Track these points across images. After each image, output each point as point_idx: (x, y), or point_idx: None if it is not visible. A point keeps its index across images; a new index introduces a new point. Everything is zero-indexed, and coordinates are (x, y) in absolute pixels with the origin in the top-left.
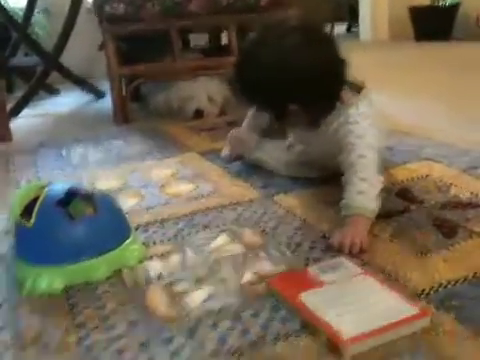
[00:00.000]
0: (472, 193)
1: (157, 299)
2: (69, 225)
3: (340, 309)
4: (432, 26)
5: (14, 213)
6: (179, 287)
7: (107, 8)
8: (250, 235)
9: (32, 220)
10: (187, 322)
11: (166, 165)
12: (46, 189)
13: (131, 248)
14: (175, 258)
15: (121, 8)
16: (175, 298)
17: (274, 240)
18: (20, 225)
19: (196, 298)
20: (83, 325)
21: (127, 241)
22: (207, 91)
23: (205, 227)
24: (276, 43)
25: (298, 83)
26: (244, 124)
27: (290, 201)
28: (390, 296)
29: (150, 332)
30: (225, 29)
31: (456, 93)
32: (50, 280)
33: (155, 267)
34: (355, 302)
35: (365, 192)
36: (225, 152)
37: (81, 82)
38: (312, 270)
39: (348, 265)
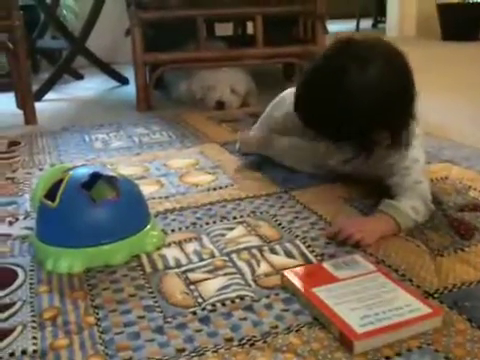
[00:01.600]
0: None
1: (173, 286)
2: (91, 208)
3: (352, 305)
4: (460, 24)
5: (38, 195)
6: (195, 275)
7: None
8: (266, 228)
9: (56, 202)
10: (202, 310)
11: (186, 155)
12: (71, 172)
13: (150, 234)
14: (192, 246)
15: None
16: (191, 286)
17: (290, 234)
18: (44, 206)
19: (211, 287)
20: (101, 307)
21: (147, 227)
22: (230, 82)
23: (223, 218)
24: (361, 69)
25: (390, 109)
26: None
27: (308, 197)
28: (403, 294)
29: (165, 317)
30: (251, 20)
31: (478, 93)
32: (71, 262)
33: (173, 254)
34: (367, 299)
35: (417, 209)
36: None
37: (106, 68)
38: (326, 265)
39: (362, 262)
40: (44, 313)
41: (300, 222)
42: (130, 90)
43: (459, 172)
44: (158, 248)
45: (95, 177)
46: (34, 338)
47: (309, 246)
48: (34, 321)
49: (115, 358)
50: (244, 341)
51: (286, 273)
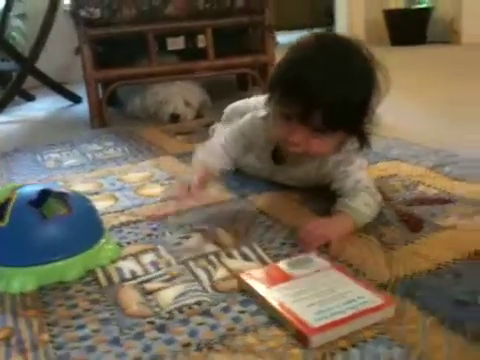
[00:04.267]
0: (438, 190)
1: (129, 297)
2: (42, 225)
3: (307, 301)
4: (407, 30)
5: None
6: (152, 285)
7: (83, 12)
8: (223, 234)
9: (5, 221)
10: (159, 318)
11: (141, 168)
12: (19, 190)
13: (105, 248)
14: (149, 257)
15: (97, 12)
16: (148, 296)
17: (246, 238)
18: None
19: (168, 295)
20: (55, 323)
21: (101, 241)
22: (183, 95)
23: (179, 227)
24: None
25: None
26: (215, 146)
27: (263, 201)
28: (356, 288)
29: (121, 329)
30: (202, 33)
31: (428, 94)
32: (23, 281)
33: (129, 266)
34: (321, 294)
35: (368, 203)
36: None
37: (57, 87)
38: (281, 265)
39: (317, 260)
40: None
41: (256, 226)
42: (83, 108)
43: (407, 169)
44: (113, 261)
45: (45, 194)
46: None
47: (265, 249)
48: None
49: None
50: (202, 345)
51: (242, 276)
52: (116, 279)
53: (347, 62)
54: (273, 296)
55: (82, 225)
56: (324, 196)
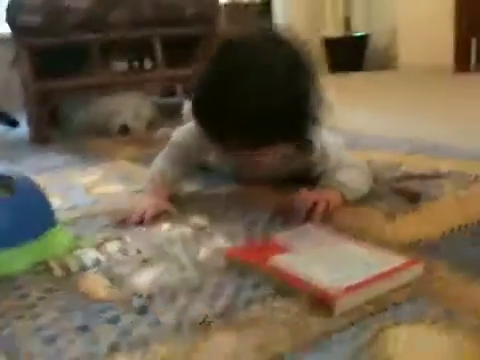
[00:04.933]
0: (423, 169)
1: (94, 283)
2: None
3: (319, 268)
4: (345, 56)
5: None
6: (121, 269)
7: (21, 19)
8: (197, 218)
9: None
10: (137, 300)
11: (91, 172)
12: None
13: (59, 236)
14: (113, 245)
15: (37, 19)
16: (117, 280)
17: (224, 220)
18: None
19: (144, 277)
20: (2, 315)
21: (52, 229)
22: (133, 107)
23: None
24: (269, 68)
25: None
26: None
27: (234, 189)
28: (372, 252)
29: (88, 315)
30: (148, 44)
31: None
32: None
33: (89, 255)
34: (334, 261)
35: (358, 180)
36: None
37: None
38: (278, 238)
39: (317, 231)
40: None
41: (233, 211)
42: (22, 131)
43: (383, 155)
44: (69, 251)
45: None
46: None
47: (249, 228)
48: None
49: None
50: (196, 324)
51: (232, 251)
52: (74, 268)
53: (264, 72)
54: (277, 265)
55: (28, 210)
56: (301, 184)
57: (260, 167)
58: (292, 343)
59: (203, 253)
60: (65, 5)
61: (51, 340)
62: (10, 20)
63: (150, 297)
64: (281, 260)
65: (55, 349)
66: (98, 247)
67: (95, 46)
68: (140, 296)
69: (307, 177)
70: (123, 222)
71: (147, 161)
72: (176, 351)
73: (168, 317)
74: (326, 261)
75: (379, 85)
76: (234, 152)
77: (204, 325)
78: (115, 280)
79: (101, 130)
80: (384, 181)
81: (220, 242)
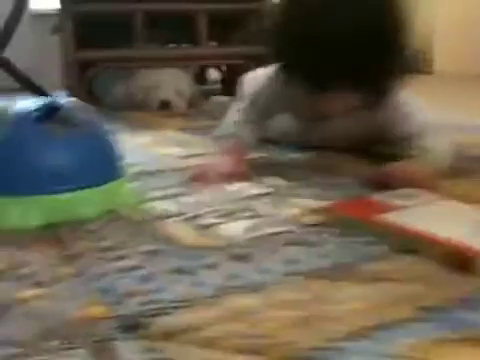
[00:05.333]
0: None
1: (180, 230)
2: (50, 143)
3: (446, 226)
4: None
5: None
6: (206, 220)
7: None
8: (274, 179)
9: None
10: (235, 248)
11: (142, 136)
12: (8, 106)
13: (126, 186)
14: (189, 199)
15: None
16: (204, 229)
17: (304, 182)
18: None
19: (235, 228)
20: (80, 256)
21: (120, 179)
22: (174, 82)
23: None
24: None
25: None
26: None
27: (311, 156)
28: None
29: (183, 260)
30: (193, 18)
31: None
32: (24, 214)
33: (165, 206)
34: (460, 220)
35: (445, 146)
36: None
37: (25, 81)
38: (382, 197)
39: (422, 193)
40: None
41: (309, 176)
42: None
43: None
44: (140, 202)
45: (53, 109)
46: None
47: (334, 188)
48: None
49: (122, 304)
50: (313, 274)
51: (335, 206)
52: (151, 217)
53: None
54: (397, 222)
55: (100, 150)
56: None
57: (337, 113)
58: (443, 297)
59: (294, 210)
60: None
61: (147, 279)
62: None
63: (250, 245)
64: (398, 216)
65: (154, 287)
66: (171, 199)
67: (138, 17)
68: (239, 245)
69: (382, 141)
70: (199, 178)
71: (197, 132)
72: (300, 298)
73: (278, 266)
74: (446, 219)
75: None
76: (326, 89)
77: (322, 276)
78: (201, 229)
79: (139, 104)
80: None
81: (309, 202)
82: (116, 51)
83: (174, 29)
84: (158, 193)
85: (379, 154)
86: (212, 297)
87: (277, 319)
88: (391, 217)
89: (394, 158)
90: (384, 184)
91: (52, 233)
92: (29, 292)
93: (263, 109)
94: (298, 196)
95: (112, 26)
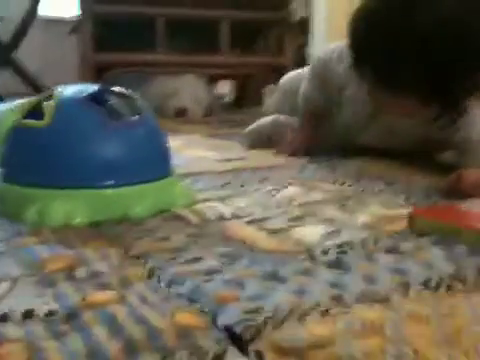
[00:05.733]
0: None
1: (250, 233)
2: (101, 133)
3: None
4: None
5: (7, 120)
6: (275, 223)
7: None
8: (328, 186)
9: (46, 119)
10: (320, 254)
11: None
12: (59, 90)
13: (179, 185)
14: (243, 201)
15: None
16: (277, 233)
17: (363, 192)
18: (21, 131)
19: (310, 233)
20: (147, 256)
21: (171, 178)
22: (192, 90)
23: (262, 180)
24: None
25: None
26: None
27: (352, 163)
28: None
29: (266, 264)
30: (215, 26)
31: None
32: (69, 209)
33: (219, 208)
34: None
35: None
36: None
37: (33, 84)
38: (460, 206)
39: None
40: (47, 264)
41: (365, 182)
42: None
43: None
44: (193, 204)
45: (105, 92)
46: (39, 297)
47: (408, 198)
48: (32, 274)
49: (220, 312)
50: (426, 286)
51: (421, 211)
52: (212, 217)
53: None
54: None
55: (154, 144)
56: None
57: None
58: None
59: (367, 217)
60: None
61: (237, 285)
62: None
63: (341, 251)
64: None
65: (251, 294)
66: (224, 202)
67: (160, 21)
68: (324, 252)
69: (442, 146)
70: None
71: (224, 137)
72: (433, 311)
73: (383, 276)
74: None
75: None
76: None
77: (439, 287)
78: (273, 233)
79: (155, 111)
80: None
81: (377, 209)
82: (136, 55)
83: (195, 36)
84: (208, 194)
85: (437, 161)
86: (325, 307)
87: (418, 335)
88: None
89: (456, 166)
90: (457, 190)
91: (108, 230)
92: (98, 295)
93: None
94: (365, 203)
95: (132, 29)
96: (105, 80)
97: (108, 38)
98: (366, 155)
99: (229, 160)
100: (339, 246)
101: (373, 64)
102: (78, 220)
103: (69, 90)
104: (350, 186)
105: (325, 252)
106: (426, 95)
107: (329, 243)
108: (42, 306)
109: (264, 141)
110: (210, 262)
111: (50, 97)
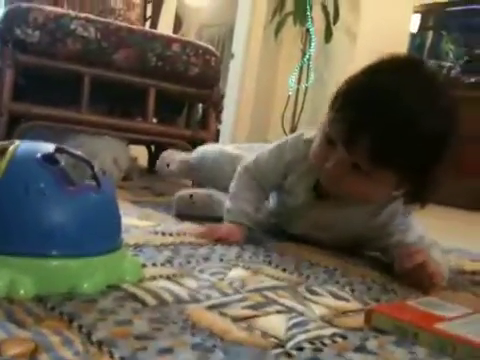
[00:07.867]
0: None
1: (215, 320)
2: (66, 192)
3: None
4: None
5: None
6: (237, 311)
7: (18, 31)
8: (272, 271)
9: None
10: (296, 349)
11: None
12: (13, 146)
13: (129, 259)
14: (193, 283)
15: (36, 36)
16: (241, 322)
17: (311, 279)
18: None
19: (275, 324)
20: (111, 342)
21: (121, 249)
22: (111, 151)
23: (205, 259)
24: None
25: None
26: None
27: (284, 247)
28: None
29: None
30: (142, 93)
31: None
32: (15, 280)
33: (176, 290)
34: None
35: (444, 263)
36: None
37: None
38: (416, 304)
39: (449, 304)
40: (4, 348)
41: (311, 268)
42: None
43: None
44: (141, 280)
45: (60, 152)
46: None
47: (353, 290)
48: None
49: None
50: None
51: (379, 308)
52: (169, 299)
53: (428, 90)
54: (459, 332)
55: (109, 211)
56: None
57: (346, 190)
58: None
59: (322, 309)
60: (71, 28)
61: None
62: (5, 29)
63: (316, 347)
64: (453, 328)
65: None
66: (172, 281)
67: (87, 81)
68: (299, 347)
69: (371, 247)
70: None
71: (148, 205)
72: None
73: None
74: None
75: None
76: (336, 158)
77: None
78: (237, 322)
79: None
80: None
81: (331, 301)
82: (58, 110)
83: (120, 99)
84: (154, 271)
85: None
86: None
87: None
88: (447, 327)
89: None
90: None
91: (59, 307)
92: None
93: (274, 164)
94: (316, 294)
95: (56, 84)
96: (18, 132)
97: (30, 89)
98: (298, 240)
99: (164, 234)
100: (311, 342)
101: (375, 134)
102: (22, 292)
103: (23, 146)
104: (292, 273)
105: (300, 349)
106: (409, 174)
107: (301, 338)
108: None
109: (188, 202)
110: (184, 355)
111: (3, 152)
